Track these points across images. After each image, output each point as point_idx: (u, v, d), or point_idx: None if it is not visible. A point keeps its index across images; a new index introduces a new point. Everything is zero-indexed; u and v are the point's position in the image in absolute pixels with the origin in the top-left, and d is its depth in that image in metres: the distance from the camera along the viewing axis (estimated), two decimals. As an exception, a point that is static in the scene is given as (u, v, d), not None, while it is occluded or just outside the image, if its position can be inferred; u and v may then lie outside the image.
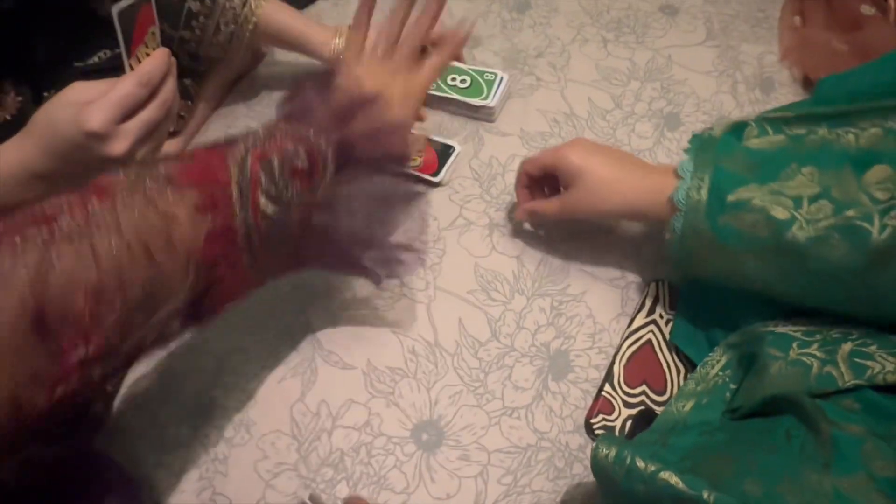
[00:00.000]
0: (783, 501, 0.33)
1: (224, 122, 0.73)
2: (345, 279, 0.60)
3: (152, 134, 0.46)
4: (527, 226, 0.61)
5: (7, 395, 0.27)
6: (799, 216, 0.42)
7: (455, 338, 0.56)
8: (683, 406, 0.50)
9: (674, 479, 0.36)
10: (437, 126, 0.70)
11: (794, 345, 0.44)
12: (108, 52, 0.59)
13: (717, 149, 0.47)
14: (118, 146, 0.44)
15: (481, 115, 0.69)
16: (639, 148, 0.68)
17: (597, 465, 0.40)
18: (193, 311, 0.36)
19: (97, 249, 0.30)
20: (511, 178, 0.66)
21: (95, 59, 0.60)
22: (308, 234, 0.41)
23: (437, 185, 0.65)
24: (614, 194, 0.51)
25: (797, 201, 0.42)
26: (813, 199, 0.42)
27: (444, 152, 0.66)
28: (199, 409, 0.53)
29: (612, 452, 0.40)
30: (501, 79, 0.70)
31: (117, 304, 0.30)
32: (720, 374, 0.50)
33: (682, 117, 0.70)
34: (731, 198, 0.44)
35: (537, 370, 0.54)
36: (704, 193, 0.46)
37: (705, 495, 0.35)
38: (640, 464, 0.38)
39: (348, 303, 0.59)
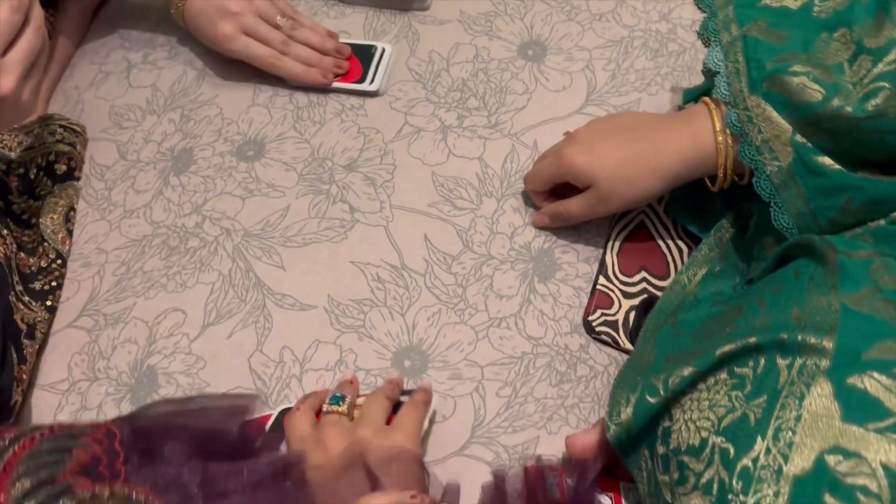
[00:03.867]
0: (792, 326, 0.36)
1: (94, 56, 0.71)
2: (281, 213, 0.58)
3: (34, 67, 0.47)
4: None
5: None
6: (842, 81, 0.43)
7: (423, 256, 0.58)
8: (694, 274, 0.51)
9: (688, 370, 0.38)
10: (359, 25, 0.68)
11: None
12: None
13: (738, 22, 0.47)
14: (5, 82, 0.44)
15: (411, 4, 0.67)
16: (600, 11, 0.66)
17: (618, 439, 0.42)
18: None
19: None
20: (458, 72, 0.66)
21: None
22: None
23: (374, 94, 0.63)
24: (644, 180, 0.50)
25: (837, 67, 0.44)
26: (852, 60, 0.43)
27: (367, 54, 0.64)
28: (138, 381, 0.52)
29: (629, 410, 0.41)
30: (428, -42, 0.68)
31: None
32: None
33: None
34: (770, 64, 0.45)
35: (521, 274, 0.54)
36: (743, 75, 0.46)
37: (717, 353, 0.37)
38: (659, 382, 0.40)
39: (292, 240, 0.59)
